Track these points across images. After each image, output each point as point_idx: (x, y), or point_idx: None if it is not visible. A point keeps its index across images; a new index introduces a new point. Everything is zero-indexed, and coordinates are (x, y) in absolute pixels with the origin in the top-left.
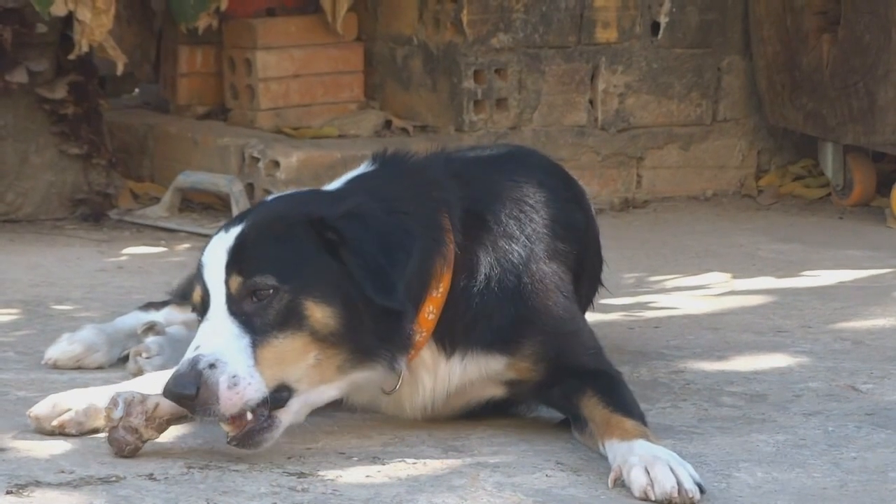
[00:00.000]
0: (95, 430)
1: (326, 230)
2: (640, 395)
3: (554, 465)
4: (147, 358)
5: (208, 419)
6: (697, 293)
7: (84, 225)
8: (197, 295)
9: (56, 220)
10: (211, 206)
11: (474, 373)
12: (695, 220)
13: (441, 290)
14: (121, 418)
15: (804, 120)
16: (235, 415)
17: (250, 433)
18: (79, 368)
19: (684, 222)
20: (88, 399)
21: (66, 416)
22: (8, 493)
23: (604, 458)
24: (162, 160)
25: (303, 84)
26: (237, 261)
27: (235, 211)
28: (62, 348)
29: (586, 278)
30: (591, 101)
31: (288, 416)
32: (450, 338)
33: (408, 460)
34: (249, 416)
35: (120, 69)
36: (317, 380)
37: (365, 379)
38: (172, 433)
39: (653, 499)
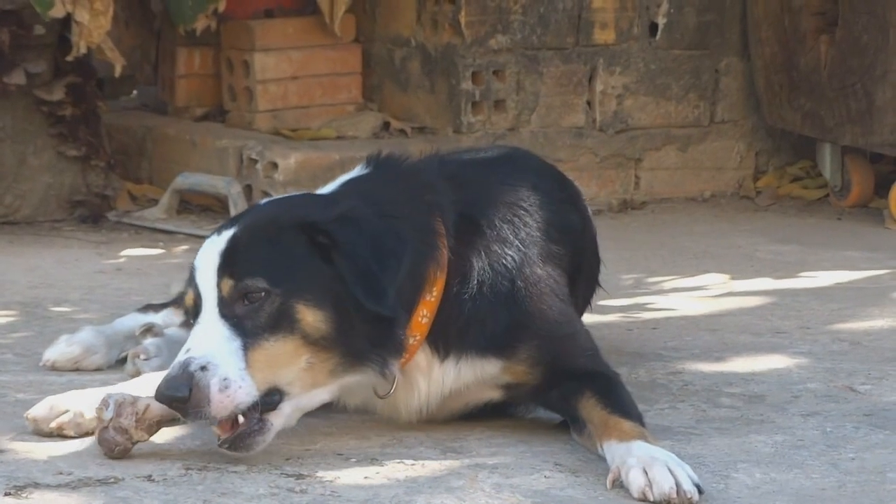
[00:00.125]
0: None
1: (318, 234)
2: (638, 396)
3: (552, 467)
4: (145, 359)
5: (199, 422)
6: (695, 294)
7: (82, 227)
8: (189, 298)
9: (54, 222)
10: (209, 208)
11: (469, 376)
12: (693, 222)
13: (435, 294)
14: (111, 419)
15: (802, 121)
16: (226, 418)
17: (241, 436)
18: (77, 370)
19: (682, 223)
20: (86, 400)
21: (64, 418)
22: (6, 494)
23: (602, 459)
24: (160, 162)
25: (301, 86)
26: (229, 264)
27: (234, 212)
28: (60, 350)
29: (583, 280)
30: (589, 103)
31: (279, 419)
32: (444, 341)
33: (406, 461)
34: (241, 419)
35: (118, 71)
36: (308, 383)
37: (356, 382)
38: (170, 434)
39: (651, 500)
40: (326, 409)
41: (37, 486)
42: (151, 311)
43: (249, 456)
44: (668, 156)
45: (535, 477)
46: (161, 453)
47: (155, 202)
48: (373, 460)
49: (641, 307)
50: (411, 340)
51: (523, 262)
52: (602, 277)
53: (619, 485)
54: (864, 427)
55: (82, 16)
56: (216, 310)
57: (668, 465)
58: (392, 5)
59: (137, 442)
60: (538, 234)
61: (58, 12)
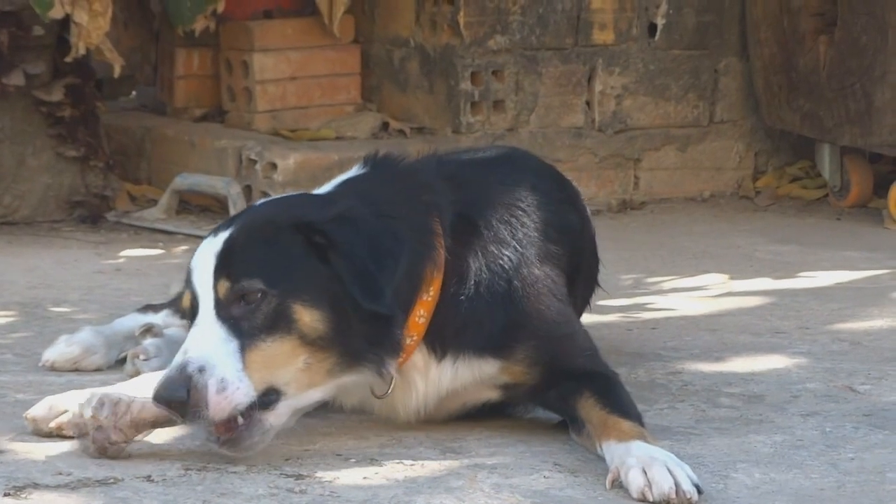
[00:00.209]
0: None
1: (315, 234)
2: (637, 396)
3: (552, 467)
4: (145, 360)
5: (197, 423)
6: (695, 294)
7: (81, 227)
8: (186, 300)
9: (53, 223)
10: (208, 209)
11: (467, 376)
12: (692, 222)
13: (432, 294)
14: (105, 418)
15: (801, 121)
16: (224, 419)
17: (239, 437)
18: (76, 370)
19: (682, 224)
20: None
21: (63, 418)
22: (6, 495)
23: (601, 459)
24: (159, 162)
25: (300, 86)
26: (225, 265)
27: (233, 213)
28: (60, 350)
29: (582, 279)
30: (588, 103)
31: (277, 419)
32: (441, 341)
33: (405, 462)
34: (240, 420)
35: (117, 72)
36: (305, 383)
37: (353, 382)
38: (169, 435)
39: (651, 500)
40: (324, 408)
41: (36, 486)
42: (151, 312)
43: (247, 456)
44: (668, 156)
45: (534, 477)
46: (160, 454)
47: (154, 202)
48: (372, 460)
49: (641, 307)
50: (408, 340)
51: (521, 262)
52: (601, 278)
53: (619, 485)
54: (864, 427)
55: (81, 17)
56: (213, 311)
57: (668, 465)
58: (391, 6)
59: (126, 442)
60: (536, 234)
61: (57, 13)
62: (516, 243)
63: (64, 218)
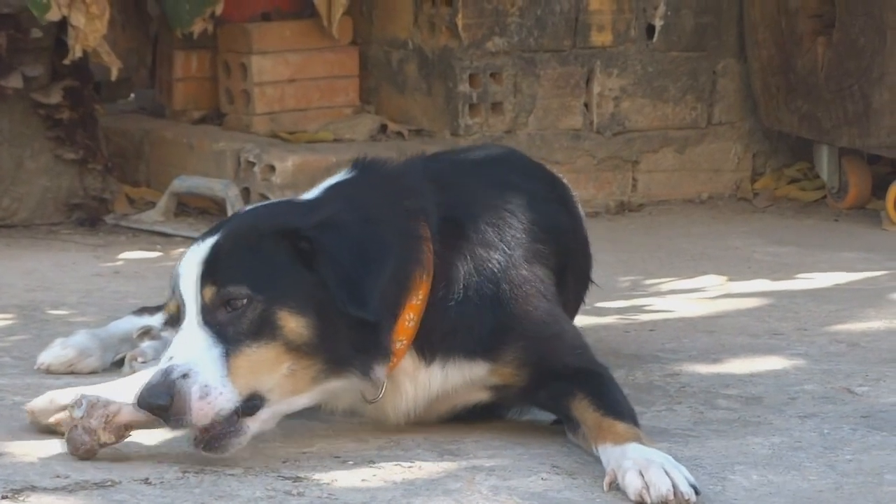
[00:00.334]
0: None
1: (301, 240)
2: (635, 398)
3: (549, 469)
4: (143, 362)
5: (180, 428)
6: (693, 296)
7: (80, 230)
8: (172, 306)
9: (52, 225)
10: (207, 211)
11: (457, 379)
12: (690, 224)
13: (420, 298)
14: (81, 418)
15: (799, 123)
16: (207, 425)
17: (216, 438)
18: (72, 373)
19: (680, 225)
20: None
21: (62, 415)
22: (3, 497)
23: (599, 460)
24: (158, 165)
25: (298, 88)
26: (211, 271)
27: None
28: (55, 353)
29: (574, 278)
30: (586, 105)
31: (256, 423)
32: (430, 345)
33: (403, 464)
34: (222, 424)
35: (114, 74)
36: (289, 390)
37: (340, 388)
38: (167, 437)
39: (648, 502)
40: (318, 411)
41: (34, 489)
42: (147, 314)
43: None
44: (666, 158)
45: (532, 479)
46: (158, 456)
47: (152, 205)
48: (370, 463)
49: (639, 309)
50: (398, 345)
51: (508, 263)
52: (599, 279)
53: (616, 487)
54: (862, 429)
55: (78, 19)
56: (198, 317)
57: (665, 467)
58: (389, 8)
59: (104, 444)
60: (523, 234)
61: (54, 16)
62: (503, 245)
63: (62, 220)
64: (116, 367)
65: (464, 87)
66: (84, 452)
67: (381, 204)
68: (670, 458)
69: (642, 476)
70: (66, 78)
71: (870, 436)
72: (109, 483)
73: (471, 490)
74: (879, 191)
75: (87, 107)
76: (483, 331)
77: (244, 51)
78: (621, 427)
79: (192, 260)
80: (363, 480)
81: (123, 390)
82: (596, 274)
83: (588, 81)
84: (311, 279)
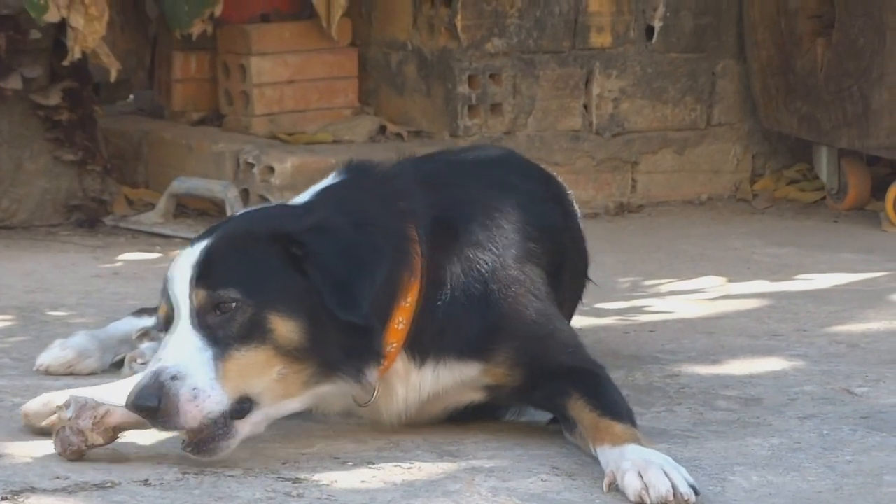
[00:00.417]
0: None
1: (292, 245)
2: (634, 399)
3: (549, 470)
4: (142, 364)
5: (169, 430)
6: (692, 297)
7: (79, 231)
8: (162, 309)
9: (51, 227)
10: (206, 212)
11: (449, 380)
12: (690, 225)
13: (410, 300)
14: (70, 419)
15: (799, 124)
16: (196, 427)
17: (206, 441)
18: (71, 374)
19: (679, 226)
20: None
21: (55, 417)
22: (3, 499)
23: (596, 459)
24: (157, 166)
25: (297, 90)
26: (202, 275)
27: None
28: (54, 354)
29: (570, 277)
30: (585, 106)
31: (246, 427)
32: (420, 347)
33: (403, 465)
34: (212, 426)
35: (113, 76)
36: (280, 394)
37: (330, 393)
38: (167, 439)
39: (648, 503)
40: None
41: (33, 490)
42: (146, 316)
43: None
44: (665, 159)
45: (531, 480)
46: (157, 457)
47: (152, 206)
48: (369, 464)
49: (638, 310)
50: (389, 348)
51: (498, 263)
52: (599, 280)
53: (616, 488)
54: (861, 430)
55: (77, 21)
56: (189, 320)
57: (664, 468)
58: (388, 9)
59: (93, 446)
60: (515, 234)
61: (52, 17)
62: (493, 245)
63: (61, 222)
64: (115, 368)
65: (463, 89)
66: (72, 453)
67: (372, 207)
68: (669, 458)
69: (641, 477)
70: (65, 79)
71: (869, 437)
72: (109, 484)
73: (470, 491)
74: (879, 192)
75: (86, 108)
76: (473, 332)
77: (243, 52)
78: (619, 428)
79: (184, 263)
80: (363, 482)
81: (122, 392)
82: (595, 275)
83: (587, 83)
84: (303, 283)
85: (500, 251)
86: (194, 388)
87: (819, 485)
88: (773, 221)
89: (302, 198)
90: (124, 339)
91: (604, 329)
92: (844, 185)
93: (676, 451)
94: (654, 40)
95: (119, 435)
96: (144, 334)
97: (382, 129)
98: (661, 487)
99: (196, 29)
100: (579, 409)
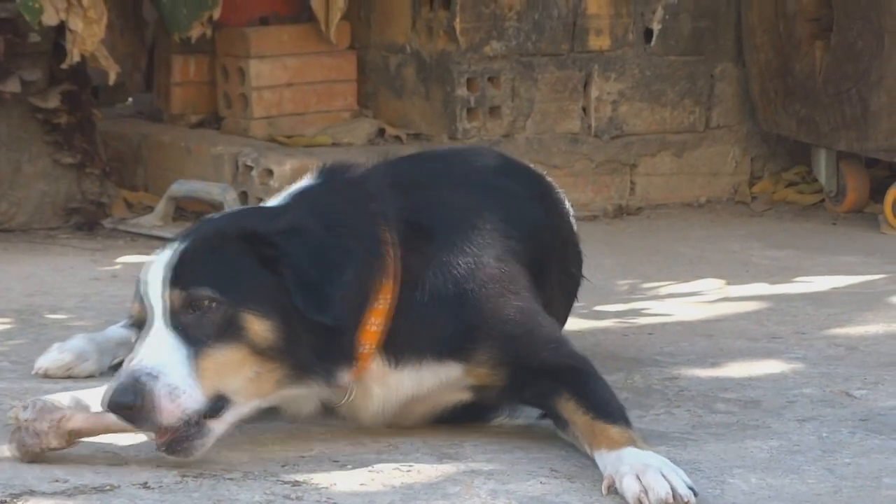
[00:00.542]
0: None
1: (264, 245)
2: (634, 401)
3: (548, 473)
4: None
5: (148, 429)
6: (691, 300)
7: (78, 234)
8: (136, 310)
9: (49, 230)
10: (205, 215)
11: (431, 381)
12: (688, 227)
13: (383, 302)
14: (27, 421)
15: (797, 126)
16: (175, 425)
17: (179, 440)
18: (70, 377)
19: (678, 229)
20: (78, 400)
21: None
22: (2, 502)
23: (591, 458)
24: (155, 169)
25: (296, 93)
26: (177, 275)
27: None
28: (52, 357)
29: (559, 274)
30: (584, 109)
31: (221, 425)
32: (396, 348)
33: (402, 468)
34: (187, 426)
35: (112, 79)
36: (254, 393)
37: (304, 393)
38: None
39: None
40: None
41: (32, 493)
42: None
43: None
44: (664, 162)
45: (530, 483)
46: (157, 460)
47: (150, 209)
48: (368, 466)
49: (637, 313)
50: (364, 349)
51: (474, 262)
52: (597, 282)
53: (615, 490)
54: (860, 432)
55: (76, 24)
56: (164, 319)
57: (662, 471)
58: (387, 12)
59: (50, 449)
60: (491, 232)
61: (50, 20)
62: (469, 244)
63: (60, 225)
64: (114, 371)
65: (462, 92)
66: (28, 455)
67: (344, 210)
68: (667, 460)
69: (640, 480)
70: (63, 82)
71: (868, 439)
72: (108, 487)
73: (469, 494)
74: (877, 194)
75: (84, 111)
76: (450, 332)
77: (242, 55)
78: (614, 432)
79: (157, 265)
80: (362, 484)
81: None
82: (594, 278)
83: (586, 85)
84: (275, 283)
85: (476, 250)
86: (172, 386)
87: (818, 487)
88: (772, 224)
89: (276, 200)
90: (122, 341)
91: (602, 332)
92: (843, 188)
93: (675, 454)
94: (652, 43)
95: (76, 441)
96: None
97: (381, 132)
98: (660, 490)
99: (195, 32)
100: (571, 411)
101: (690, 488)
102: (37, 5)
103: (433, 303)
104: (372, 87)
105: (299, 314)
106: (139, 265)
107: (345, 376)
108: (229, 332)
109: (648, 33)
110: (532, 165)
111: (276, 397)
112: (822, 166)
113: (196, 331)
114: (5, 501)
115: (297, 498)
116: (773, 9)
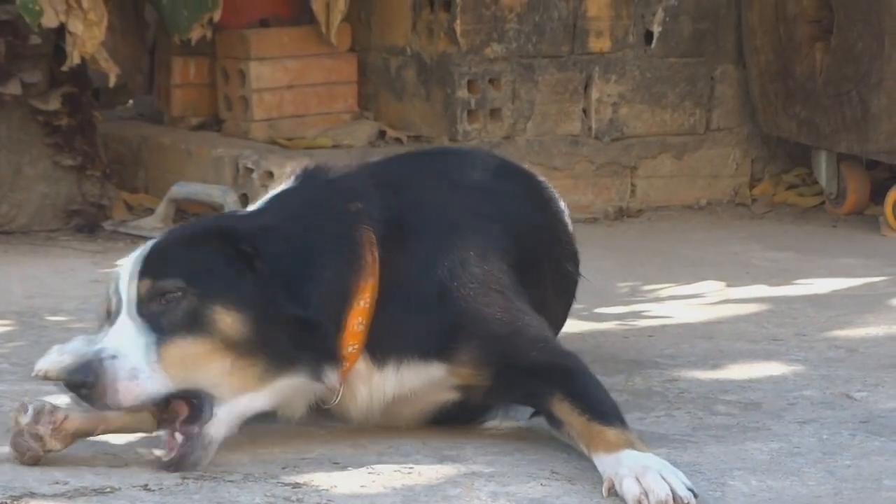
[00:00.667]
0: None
1: (242, 242)
2: (634, 404)
3: (549, 474)
4: None
5: (105, 408)
6: (692, 302)
7: (78, 236)
8: (109, 303)
9: (50, 232)
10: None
11: (415, 381)
12: (689, 229)
13: (366, 301)
14: (27, 424)
15: (798, 128)
16: (134, 407)
17: (185, 455)
18: None
19: (678, 231)
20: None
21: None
22: None
23: (588, 457)
24: (156, 171)
25: (297, 95)
26: (148, 267)
27: None
28: (52, 359)
29: (553, 273)
30: (584, 111)
31: (218, 429)
32: (380, 348)
33: (402, 469)
34: (179, 437)
35: (112, 81)
36: (237, 387)
37: (291, 388)
38: None
39: None
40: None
41: (33, 495)
42: None
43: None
44: (664, 164)
45: (531, 485)
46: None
47: (151, 211)
48: (369, 468)
49: (637, 315)
50: (349, 349)
51: (457, 261)
52: (598, 284)
53: (615, 493)
54: (861, 434)
55: (76, 26)
56: (132, 308)
57: (661, 473)
58: (387, 14)
59: (50, 451)
60: (475, 232)
61: (50, 21)
62: (451, 243)
63: (61, 227)
64: None
65: (462, 94)
66: (29, 458)
67: (324, 211)
68: (666, 462)
69: (639, 482)
70: (64, 84)
71: (868, 441)
72: (108, 489)
73: (470, 496)
74: (878, 196)
75: (85, 113)
76: (433, 331)
77: (242, 57)
78: (611, 434)
79: (130, 261)
80: (362, 486)
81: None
82: (594, 280)
83: (586, 87)
84: (250, 279)
85: (459, 249)
86: (133, 368)
87: (818, 489)
88: (773, 226)
89: (256, 204)
90: None
91: (603, 334)
92: (843, 190)
93: (676, 456)
94: (653, 45)
95: (77, 441)
96: None
97: (382, 134)
98: (660, 492)
99: (195, 34)
100: (566, 412)
101: (690, 490)
102: (37, 7)
103: (416, 303)
104: (372, 89)
105: (276, 310)
106: None
107: (333, 376)
108: (198, 322)
109: (649, 35)
110: (525, 165)
111: (266, 392)
112: (823, 168)
113: (164, 319)
114: (5, 503)
115: (298, 500)
116: (774, 11)
